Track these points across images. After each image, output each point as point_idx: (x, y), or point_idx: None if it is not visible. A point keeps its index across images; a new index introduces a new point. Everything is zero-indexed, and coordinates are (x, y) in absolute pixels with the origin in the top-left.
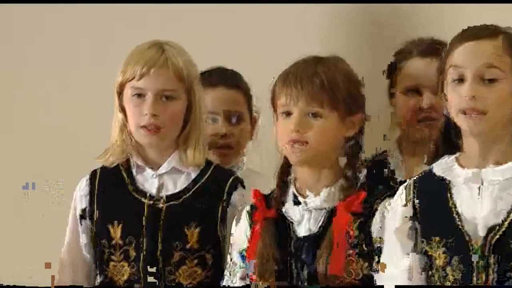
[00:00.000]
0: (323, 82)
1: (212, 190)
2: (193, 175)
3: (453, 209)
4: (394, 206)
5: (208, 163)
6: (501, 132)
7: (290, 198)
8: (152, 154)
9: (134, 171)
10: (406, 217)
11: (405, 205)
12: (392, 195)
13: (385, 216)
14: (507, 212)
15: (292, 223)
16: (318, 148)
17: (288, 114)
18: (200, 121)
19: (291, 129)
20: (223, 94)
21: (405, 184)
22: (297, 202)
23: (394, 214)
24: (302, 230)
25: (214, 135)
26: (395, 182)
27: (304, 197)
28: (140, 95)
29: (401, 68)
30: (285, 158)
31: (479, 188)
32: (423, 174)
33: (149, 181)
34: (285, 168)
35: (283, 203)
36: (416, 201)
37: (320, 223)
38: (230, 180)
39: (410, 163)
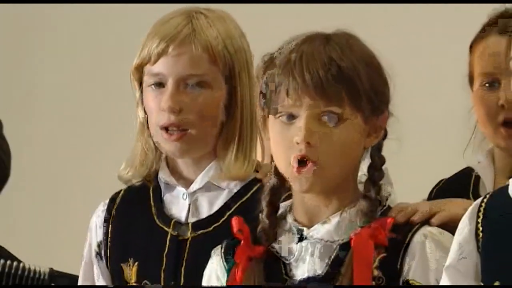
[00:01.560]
0: (342, 69)
1: (254, 211)
2: (233, 192)
3: None
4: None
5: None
6: None
7: (286, 229)
8: (183, 166)
9: (162, 190)
10: (464, 250)
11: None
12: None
13: (425, 250)
14: None
15: (288, 263)
16: (335, 168)
17: (291, 117)
18: (246, 120)
19: (297, 140)
20: None
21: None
22: (297, 235)
23: (445, 246)
24: (302, 272)
25: None
26: None
27: (307, 226)
28: (159, 84)
29: (475, 50)
30: (279, 176)
31: None
32: (496, 193)
33: (179, 203)
34: (277, 190)
35: (275, 237)
36: (480, 228)
37: (329, 262)
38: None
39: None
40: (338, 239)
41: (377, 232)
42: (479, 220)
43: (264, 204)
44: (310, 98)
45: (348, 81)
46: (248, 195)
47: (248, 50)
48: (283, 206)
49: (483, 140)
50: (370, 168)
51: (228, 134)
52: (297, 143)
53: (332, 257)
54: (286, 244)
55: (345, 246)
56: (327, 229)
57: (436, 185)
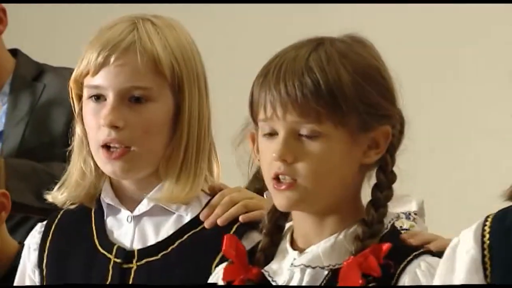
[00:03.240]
0: (320, 82)
1: (208, 243)
2: (186, 219)
3: None
4: (451, 256)
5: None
6: None
7: (282, 251)
8: (128, 188)
9: (104, 212)
10: (471, 270)
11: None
12: (429, 252)
13: (418, 279)
14: None
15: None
16: (318, 187)
17: (271, 134)
18: (192, 137)
19: (274, 158)
20: None
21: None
22: (290, 259)
23: (451, 266)
24: None
25: None
26: None
27: (299, 250)
28: (98, 97)
29: None
30: None
31: None
32: (507, 209)
33: (123, 228)
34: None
35: (271, 258)
36: (488, 246)
37: None
38: (234, 227)
39: None
40: (329, 264)
41: (368, 260)
42: (485, 246)
43: (266, 222)
44: (286, 113)
45: (327, 95)
46: (199, 227)
47: (199, 61)
48: (287, 226)
49: None
50: (373, 188)
51: (173, 152)
52: (275, 160)
53: (323, 284)
54: (278, 267)
55: (337, 273)
56: (317, 253)
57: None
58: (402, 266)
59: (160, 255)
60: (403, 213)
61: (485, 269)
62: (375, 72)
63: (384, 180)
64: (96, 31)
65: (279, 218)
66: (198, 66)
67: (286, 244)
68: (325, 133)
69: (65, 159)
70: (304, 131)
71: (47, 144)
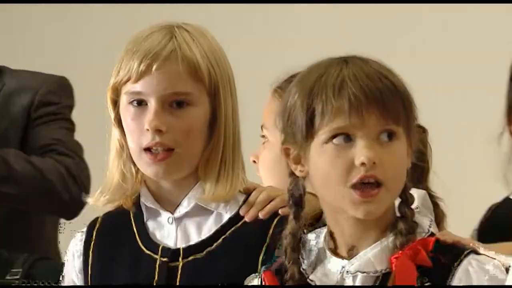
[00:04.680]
0: (396, 87)
1: (251, 237)
2: (226, 216)
3: None
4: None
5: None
6: None
7: (323, 260)
8: (167, 190)
9: (145, 216)
10: None
11: None
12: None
13: (471, 279)
14: None
15: None
16: (397, 190)
17: (346, 138)
18: (229, 138)
19: (361, 162)
20: None
21: None
22: (337, 267)
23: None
24: None
25: None
26: None
27: (343, 257)
28: (140, 103)
29: None
30: (298, 209)
31: None
32: None
33: (165, 229)
34: (299, 227)
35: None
36: None
37: None
38: (276, 220)
39: None
40: (381, 269)
41: (417, 252)
42: None
43: (287, 248)
44: (370, 116)
45: (402, 100)
46: (240, 222)
47: (229, 67)
48: (312, 237)
49: None
50: (402, 190)
51: (212, 153)
52: (361, 164)
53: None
54: (325, 278)
55: (388, 275)
56: (368, 259)
57: (486, 214)
58: (455, 264)
59: (205, 251)
60: None
61: None
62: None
63: (409, 182)
64: (130, 40)
65: (298, 239)
66: (229, 71)
67: (327, 254)
68: (399, 135)
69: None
70: (385, 132)
71: (4, 128)
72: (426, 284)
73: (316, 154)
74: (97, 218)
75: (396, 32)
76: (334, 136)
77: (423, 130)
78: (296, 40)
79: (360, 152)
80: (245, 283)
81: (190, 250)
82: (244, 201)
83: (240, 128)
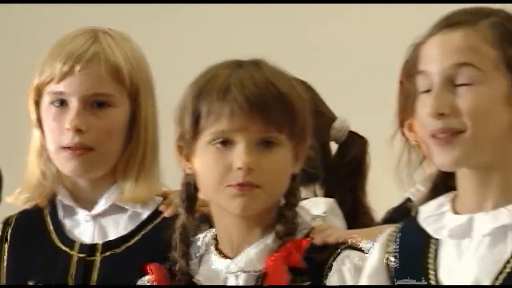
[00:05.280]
0: (282, 96)
1: (169, 233)
2: (144, 214)
3: (431, 275)
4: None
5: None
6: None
7: (208, 261)
8: (84, 189)
9: (61, 214)
10: (374, 280)
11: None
12: (353, 247)
13: (345, 277)
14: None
15: None
16: (274, 195)
17: (227, 142)
18: (149, 141)
19: (238, 166)
20: None
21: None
22: (221, 267)
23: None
24: None
25: None
26: None
27: (231, 257)
28: (62, 103)
29: None
30: (190, 209)
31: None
32: (406, 222)
33: (81, 227)
34: (190, 225)
35: (194, 273)
36: (392, 259)
37: None
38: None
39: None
40: (261, 269)
41: (290, 253)
42: (389, 250)
43: (178, 242)
44: (252, 123)
45: (287, 107)
46: (159, 219)
47: (150, 72)
48: (201, 237)
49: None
50: (287, 194)
51: (131, 155)
52: (238, 169)
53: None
54: (209, 278)
55: (265, 276)
56: (249, 259)
57: (384, 216)
58: (330, 262)
59: (123, 247)
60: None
61: (389, 271)
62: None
63: (296, 184)
64: (54, 44)
65: (189, 236)
66: (150, 77)
67: (212, 254)
68: (281, 142)
69: None
70: (266, 139)
71: None
72: (306, 283)
73: (200, 155)
74: (10, 217)
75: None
76: (215, 139)
77: (363, 140)
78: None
79: (238, 157)
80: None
81: (108, 245)
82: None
83: (158, 132)
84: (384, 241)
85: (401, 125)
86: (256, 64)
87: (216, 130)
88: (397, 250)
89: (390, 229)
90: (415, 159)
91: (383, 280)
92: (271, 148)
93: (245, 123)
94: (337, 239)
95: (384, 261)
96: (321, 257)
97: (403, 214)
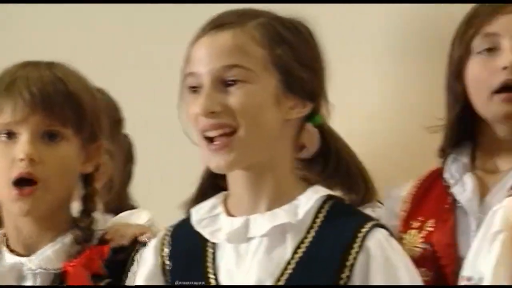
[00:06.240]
0: (70, 93)
1: None
2: None
3: (212, 279)
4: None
5: None
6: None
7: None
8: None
9: None
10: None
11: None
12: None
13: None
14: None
15: None
16: (56, 191)
17: (12, 135)
18: None
19: (20, 157)
20: None
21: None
22: (15, 267)
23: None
24: None
25: None
26: None
27: (21, 255)
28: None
29: None
30: None
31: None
32: (179, 223)
33: None
34: None
35: None
36: (167, 263)
37: None
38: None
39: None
40: (60, 267)
41: (91, 262)
42: (163, 254)
43: None
44: (34, 115)
45: (74, 102)
46: None
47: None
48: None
49: None
50: (82, 198)
51: None
52: (21, 160)
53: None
54: (2, 275)
55: (63, 276)
56: (48, 256)
57: None
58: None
59: None
60: None
61: (165, 274)
62: (94, 91)
63: (91, 191)
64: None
65: None
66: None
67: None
68: (67, 137)
69: None
70: (50, 132)
71: None
72: (106, 281)
73: None
74: None
75: None
76: (0, 132)
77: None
78: None
79: (20, 148)
80: None
81: None
82: None
83: None
84: (157, 244)
85: None
86: (50, 64)
87: (1, 122)
88: (172, 254)
89: (162, 232)
90: None
91: (160, 284)
92: (56, 141)
93: (27, 115)
94: (132, 237)
95: (160, 265)
96: (121, 256)
97: None
